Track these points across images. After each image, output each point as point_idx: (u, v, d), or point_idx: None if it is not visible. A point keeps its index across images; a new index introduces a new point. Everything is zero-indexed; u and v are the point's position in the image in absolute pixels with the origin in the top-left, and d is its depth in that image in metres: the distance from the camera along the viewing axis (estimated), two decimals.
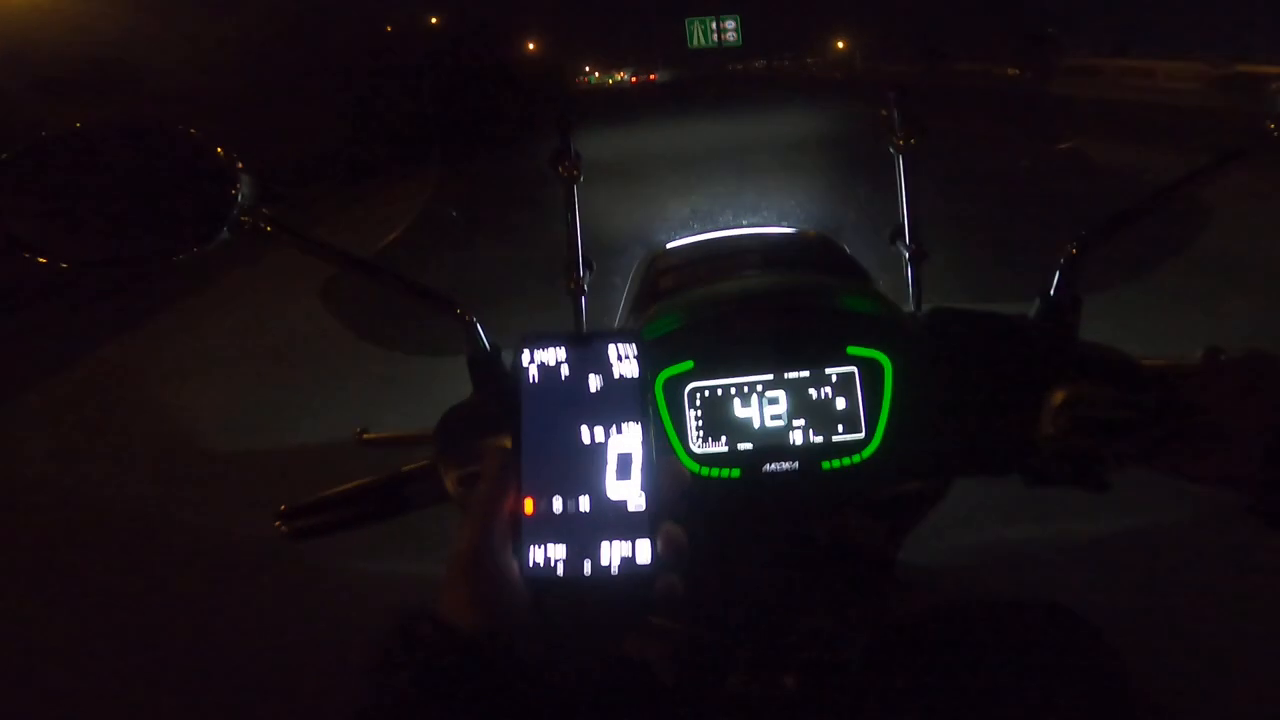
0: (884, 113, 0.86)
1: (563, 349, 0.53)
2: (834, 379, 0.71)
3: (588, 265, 0.87)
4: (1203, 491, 0.64)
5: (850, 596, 0.74)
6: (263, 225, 0.70)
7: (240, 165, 0.69)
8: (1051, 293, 0.74)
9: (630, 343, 0.53)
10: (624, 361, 0.53)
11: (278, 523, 0.81)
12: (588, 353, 0.53)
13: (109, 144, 0.71)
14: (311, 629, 1.85)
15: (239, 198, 0.68)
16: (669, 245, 1.01)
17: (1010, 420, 0.71)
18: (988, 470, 0.74)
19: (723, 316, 0.75)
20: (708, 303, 0.78)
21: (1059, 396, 0.69)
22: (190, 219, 0.69)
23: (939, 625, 0.69)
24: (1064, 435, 0.68)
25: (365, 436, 0.92)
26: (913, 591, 0.78)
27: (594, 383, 0.53)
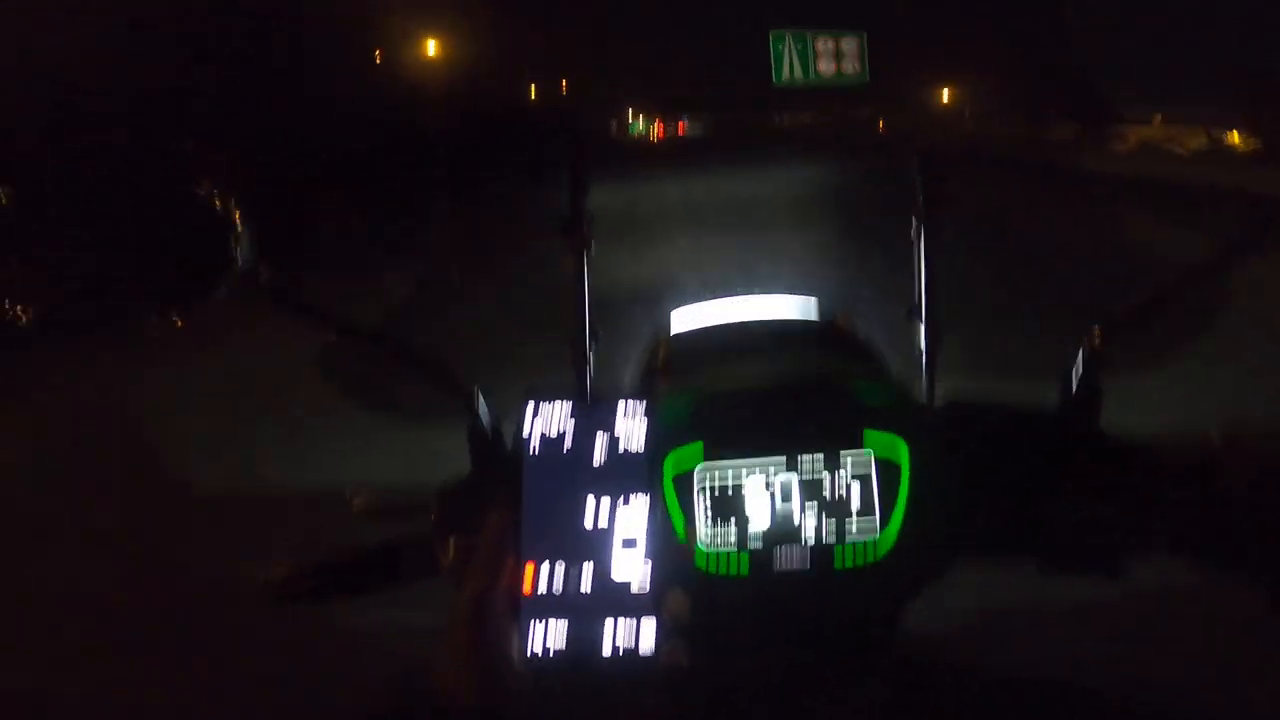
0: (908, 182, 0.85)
1: (568, 412, 0.52)
2: (849, 464, 0.69)
3: (594, 335, 0.86)
4: (1223, 579, 0.65)
5: (852, 676, 0.73)
6: (260, 286, 0.69)
7: (239, 216, 0.68)
8: (1073, 382, 0.73)
9: (640, 409, 0.52)
10: (632, 423, 0.51)
11: (265, 581, 0.79)
12: (594, 417, 0.52)
13: (106, 184, 0.70)
14: (301, 687, 1.81)
15: (238, 253, 0.67)
16: (677, 316, 1.00)
17: (1029, 511, 0.70)
18: (1002, 556, 0.73)
19: (735, 401, 0.74)
20: (718, 385, 0.77)
21: (1078, 488, 0.68)
22: (184, 273, 0.68)
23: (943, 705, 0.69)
24: (1081, 526, 0.68)
25: (358, 502, 0.90)
26: (915, 664, 0.77)
27: (600, 450, 0.51)
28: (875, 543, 0.68)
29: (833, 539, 0.69)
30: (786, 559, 0.68)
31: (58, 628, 2.32)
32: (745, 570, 0.69)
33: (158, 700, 1.94)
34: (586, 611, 0.49)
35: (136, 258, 0.67)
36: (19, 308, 0.66)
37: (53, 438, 4.03)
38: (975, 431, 0.72)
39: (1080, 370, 0.72)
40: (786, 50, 2.27)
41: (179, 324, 0.68)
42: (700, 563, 0.69)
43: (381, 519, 0.87)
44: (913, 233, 0.84)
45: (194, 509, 3.02)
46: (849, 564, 0.68)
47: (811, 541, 0.68)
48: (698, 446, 0.70)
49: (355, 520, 0.87)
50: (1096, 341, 0.72)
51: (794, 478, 0.69)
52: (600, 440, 0.51)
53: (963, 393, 0.76)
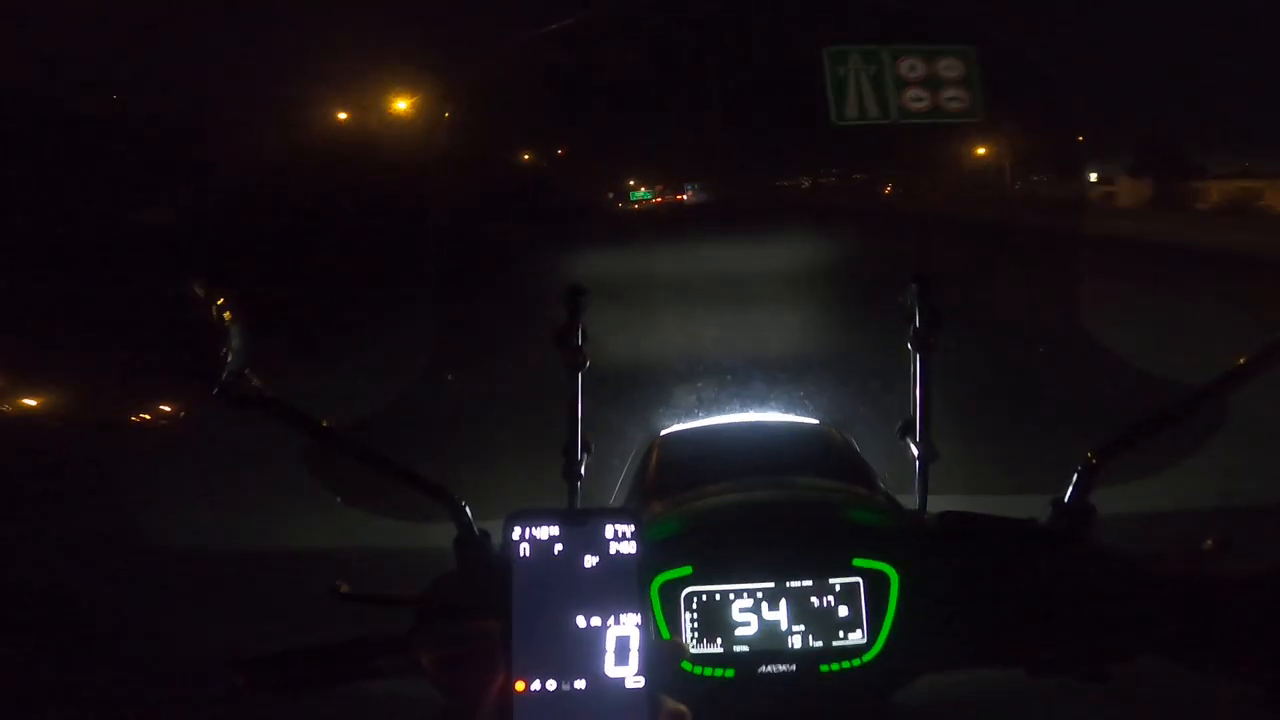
0: (901, 300, 0.87)
1: (556, 526, 0.52)
2: (837, 588, 0.70)
3: (585, 449, 0.86)
4: (1215, 685, 0.67)
5: None
6: (250, 394, 0.68)
7: (230, 319, 0.67)
8: (1066, 500, 0.74)
9: (628, 523, 0.52)
10: (621, 541, 0.52)
11: (234, 669, 0.76)
12: (582, 532, 0.52)
13: (97, 284, 0.68)
14: None
15: (228, 360, 0.66)
16: (668, 433, 1.00)
17: (1019, 624, 0.71)
18: (991, 665, 0.73)
19: (725, 525, 0.74)
20: (710, 510, 0.77)
21: (1068, 605, 0.69)
22: (174, 380, 0.67)
23: None
24: (1072, 637, 0.69)
25: (342, 590, 0.89)
26: None
27: (589, 562, 0.51)
28: (861, 655, 0.69)
29: (818, 654, 0.69)
30: (772, 666, 0.69)
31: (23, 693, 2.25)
32: (731, 674, 0.69)
33: None
34: (582, 709, 0.49)
35: (128, 364, 0.66)
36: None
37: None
38: (967, 549, 0.73)
39: (1073, 490, 0.73)
40: (851, 77, 1.56)
41: (168, 424, 0.68)
42: (686, 668, 0.68)
43: (362, 606, 0.86)
44: (910, 351, 0.85)
45: (171, 584, 2.96)
46: (834, 667, 0.69)
47: (798, 648, 0.69)
48: (687, 570, 0.70)
49: (334, 605, 0.86)
50: (1090, 463, 0.73)
51: (782, 601, 0.69)
52: (590, 548, 0.51)
53: (955, 510, 0.76)
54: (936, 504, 0.79)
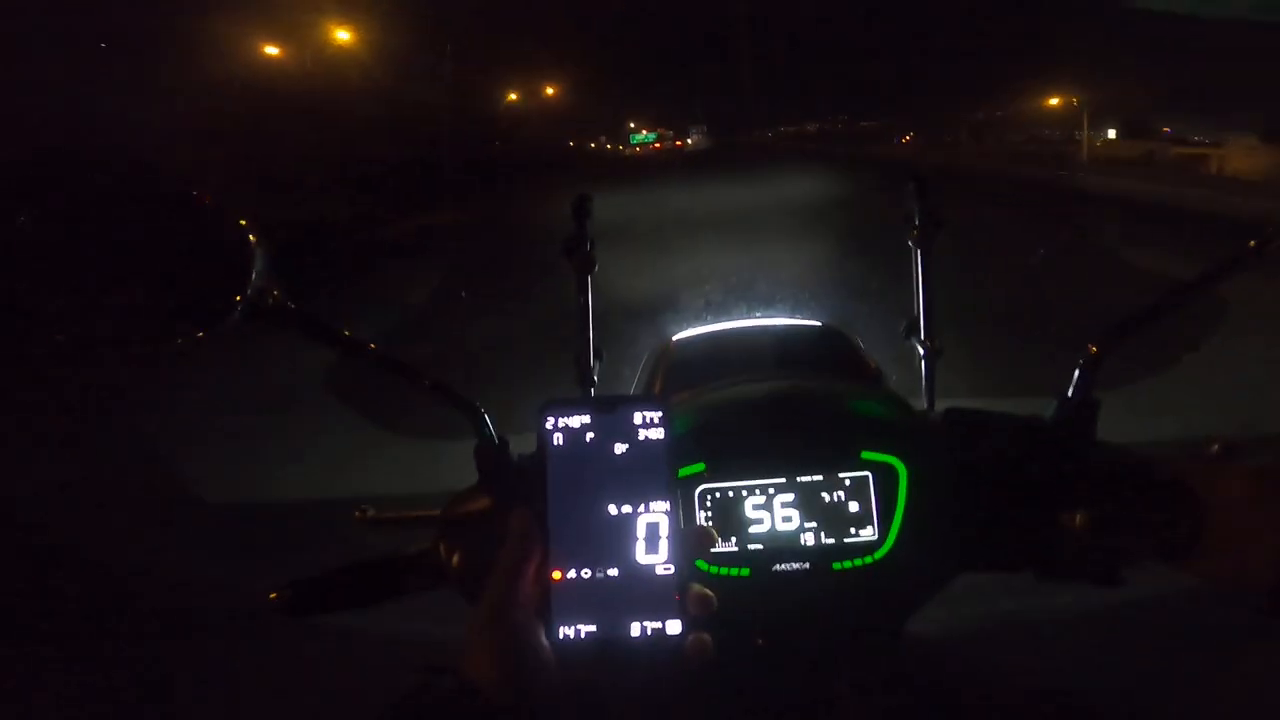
0: (901, 201, 0.88)
1: (588, 415, 0.53)
2: (847, 483, 0.71)
3: (598, 355, 0.88)
4: (1217, 589, 0.66)
5: (855, 680, 0.74)
6: (276, 308, 0.69)
7: (255, 240, 0.67)
8: (1070, 394, 0.74)
9: (656, 409, 0.53)
10: (650, 428, 0.53)
11: (272, 595, 0.80)
12: (613, 419, 0.53)
13: (117, 207, 0.68)
14: (318, 689, 1.81)
15: (253, 276, 0.66)
16: (679, 338, 1.01)
17: (1026, 521, 0.71)
18: (1001, 567, 0.74)
19: (735, 420, 0.76)
20: (720, 405, 0.78)
21: (1075, 499, 0.69)
22: (200, 298, 0.67)
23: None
24: (1080, 536, 0.69)
25: (368, 516, 0.91)
26: (918, 674, 0.79)
27: (620, 449, 0.53)
28: (873, 552, 0.70)
29: (831, 551, 0.70)
30: (786, 564, 0.70)
31: (57, 633, 2.32)
32: (746, 572, 0.71)
33: (173, 705, 1.95)
34: (614, 599, 0.50)
35: (152, 284, 0.67)
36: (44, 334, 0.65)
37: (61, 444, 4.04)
38: (973, 443, 0.74)
39: (1076, 383, 0.74)
40: None
41: (195, 343, 0.68)
42: (703, 567, 0.70)
43: (387, 531, 0.88)
44: (911, 250, 0.86)
45: (201, 517, 3.03)
46: (846, 565, 0.70)
47: (811, 545, 0.71)
48: (700, 467, 0.71)
49: (361, 532, 0.89)
50: (1092, 355, 0.74)
51: (793, 496, 0.71)
52: (620, 436, 0.53)
53: (961, 406, 0.77)
54: (943, 405, 0.80)
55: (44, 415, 4.39)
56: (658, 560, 0.51)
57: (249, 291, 0.66)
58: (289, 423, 4.11)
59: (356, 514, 0.92)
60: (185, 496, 3.25)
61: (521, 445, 0.75)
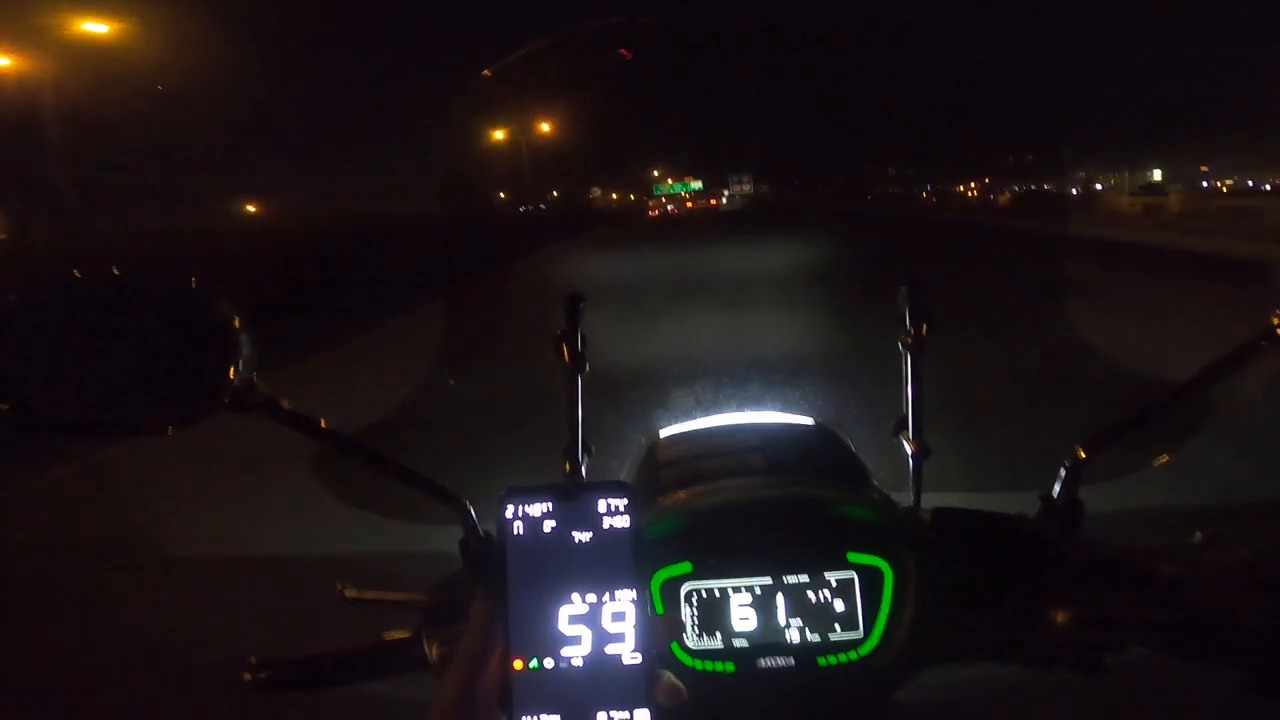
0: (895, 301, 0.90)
1: (549, 503, 0.52)
2: (833, 583, 0.72)
3: (586, 450, 0.89)
4: (1203, 672, 0.67)
5: None
6: (260, 400, 0.69)
7: (239, 326, 0.67)
8: (1055, 495, 0.76)
9: (620, 495, 0.52)
10: (614, 515, 0.52)
11: (246, 675, 0.80)
12: (576, 506, 0.52)
13: (104, 297, 0.69)
14: None
15: (238, 368, 0.67)
16: (667, 434, 1.02)
17: (1011, 619, 0.73)
18: (986, 659, 0.75)
19: (723, 523, 0.77)
20: (708, 508, 0.80)
21: (1060, 595, 0.71)
22: (183, 389, 0.67)
23: None
24: (1065, 630, 0.71)
25: (348, 594, 0.91)
26: None
27: (583, 537, 0.52)
28: (857, 648, 0.71)
29: (815, 648, 0.71)
30: (771, 659, 0.71)
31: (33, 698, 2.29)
32: (730, 668, 0.71)
33: None
34: (579, 691, 0.50)
35: (137, 372, 0.67)
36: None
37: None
38: (959, 541, 0.75)
39: (1062, 484, 0.75)
40: None
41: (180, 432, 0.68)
42: (687, 663, 0.71)
43: (371, 611, 0.88)
44: (901, 350, 0.88)
45: (184, 589, 3.00)
46: (831, 660, 0.71)
47: (796, 643, 0.71)
48: (686, 568, 0.73)
49: (344, 608, 0.88)
50: (1079, 457, 0.75)
51: (779, 596, 0.72)
52: (584, 523, 0.52)
53: (947, 506, 0.78)
54: (930, 501, 0.82)
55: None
56: (625, 649, 0.50)
57: (235, 383, 0.67)
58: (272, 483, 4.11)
59: (337, 590, 0.91)
60: (164, 552, 3.25)
61: None
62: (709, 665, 0.71)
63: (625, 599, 0.51)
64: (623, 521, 0.52)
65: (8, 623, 2.63)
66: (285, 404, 0.71)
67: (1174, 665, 0.69)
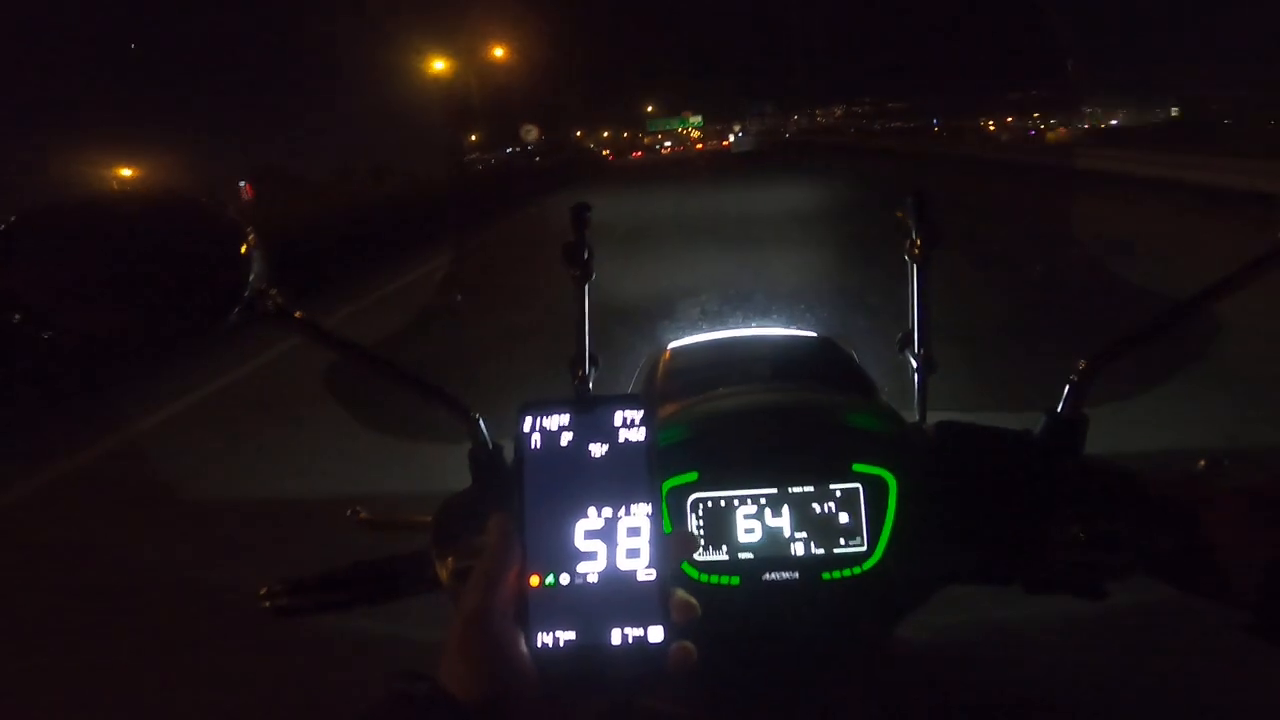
0: (900, 215, 0.89)
1: (566, 415, 0.52)
2: (838, 494, 0.73)
3: (593, 362, 0.90)
4: (1204, 603, 0.67)
5: (844, 690, 0.75)
6: (273, 310, 0.70)
7: (253, 240, 0.68)
8: (1059, 410, 0.76)
9: (637, 408, 0.52)
10: (630, 428, 0.52)
11: (262, 597, 0.82)
12: (592, 419, 0.52)
13: (116, 211, 0.70)
14: (301, 691, 1.83)
15: (250, 278, 0.68)
16: (674, 346, 1.03)
17: (1014, 535, 0.73)
18: (989, 579, 0.75)
19: (729, 431, 0.77)
20: (714, 416, 0.80)
21: (1063, 513, 0.71)
22: (198, 298, 0.68)
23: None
24: (1067, 550, 0.71)
25: (360, 517, 0.93)
26: (908, 681, 0.80)
27: (599, 450, 0.52)
28: (862, 563, 0.72)
29: (820, 561, 0.72)
30: (776, 573, 0.72)
31: (60, 634, 2.37)
32: (736, 581, 0.72)
33: (160, 705, 1.98)
34: (594, 605, 0.50)
35: (149, 284, 0.67)
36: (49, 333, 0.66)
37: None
38: (963, 456, 0.76)
39: (1066, 398, 0.76)
40: None
41: (191, 342, 0.70)
42: (694, 576, 0.72)
43: (382, 533, 0.90)
44: (907, 263, 0.88)
45: (199, 515, 3.07)
46: (835, 575, 0.72)
47: (801, 555, 0.72)
48: (693, 476, 0.73)
49: (356, 532, 0.90)
50: (1083, 371, 0.76)
51: (785, 507, 0.73)
52: (600, 436, 0.52)
53: (952, 419, 0.78)
54: (936, 418, 0.82)
55: (38, 413, 4.48)
56: (639, 565, 0.50)
57: (247, 293, 0.68)
58: (286, 419, 4.16)
59: (348, 514, 0.93)
60: (176, 494, 3.31)
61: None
62: (715, 578, 0.72)
63: (641, 514, 0.51)
64: (639, 434, 0.52)
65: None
66: (298, 314, 0.72)
67: (1177, 599, 0.70)
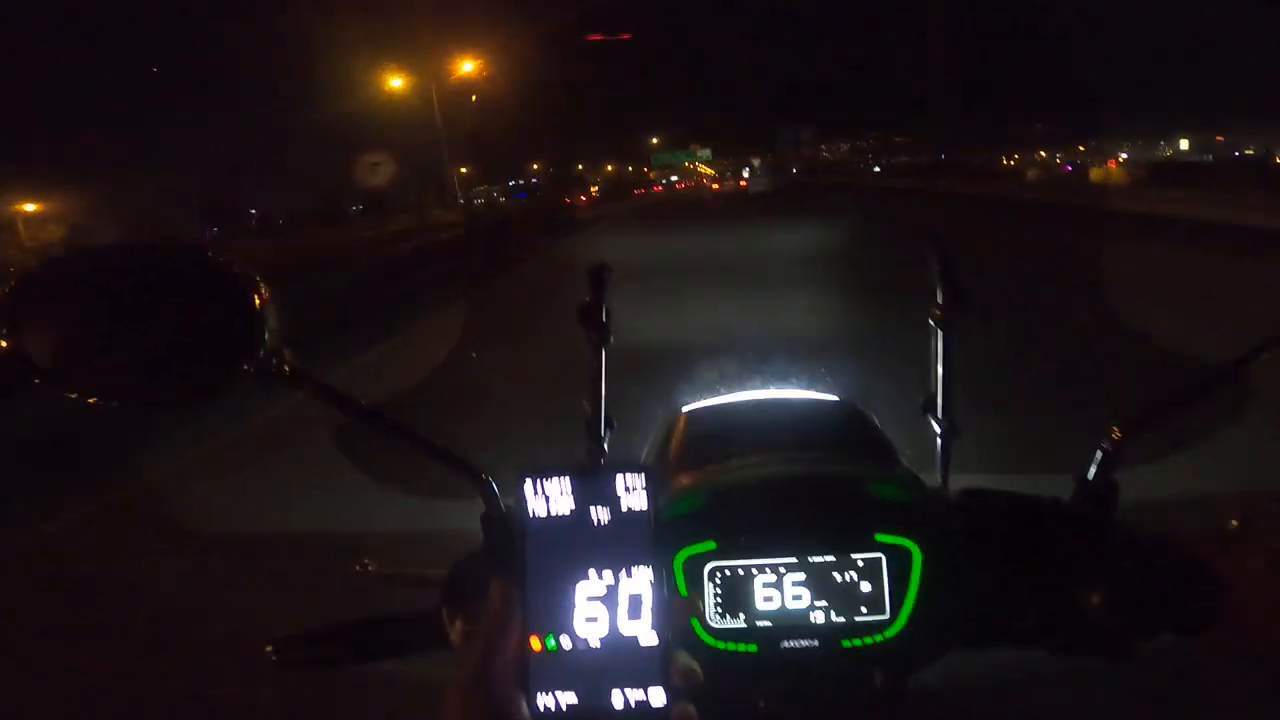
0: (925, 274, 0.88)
1: (568, 481, 0.52)
2: (859, 564, 0.72)
3: (609, 424, 0.89)
4: (1231, 656, 0.69)
5: None
6: (285, 370, 0.69)
7: (266, 296, 0.67)
8: (1090, 476, 0.75)
9: (638, 474, 0.52)
10: (632, 494, 0.52)
11: (268, 648, 0.81)
12: (593, 484, 0.52)
13: (128, 264, 0.68)
14: None
15: (265, 336, 0.66)
16: (690, 409, 1.02)
17: (1042, 600, 0.72)
18: (1014, 643, 0.75)
19: (748, 501, 0.77)
20: (733, 486, 0.80)
21: (1092, 577, 0.71)
22: (206, 359, 0.67)
23: None
24: (1096, 613, 0.70)
25: (368, 570, 0.92)
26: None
27: (601, 516, 0.52)
28: (883, 630, 0.71)
29: (840, 629, 0.71)
30: (794, 641, 0.71)
31: (71, 672, 2.38)
32: (754, 648, 0.72)
33: None
34: (596, 670, 0.50)
35: (161, 343, 0.66)
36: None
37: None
38: (989, 524, 0.75)
39: (1098, 466, 0.75)
40: None
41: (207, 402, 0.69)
42: (709, 642, 0.71)
43: (391, 586, 0.89)
44: (931, 325, 0.87)
45: (210, 562, 3.08)
46: (855, 643, 0.71)
47: (820, 624, 0.71)
48: (710, 545, 0.73)
49: (365, 585, 0.90)
50: (1116, 437, 0.75)
51: (804, 576, 0.72)
52: (601, 502, 0.52)
53: (977, 486, 0.78)
54: (959, 482, 0.81)
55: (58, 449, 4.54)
56: (641, 629, 0.51)
57: (260, 354, 0.67)
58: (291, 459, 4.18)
59: (356, 569, 0.92)
60: (188, 529, 3.34)
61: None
62: (732, 645, 0.71)
63: (642, 579, 0.51)
64: (640, 501, 0.52)
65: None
66: (314, 376, 0.72)
67: (1205, 657, 0.69)
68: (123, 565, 3.18)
